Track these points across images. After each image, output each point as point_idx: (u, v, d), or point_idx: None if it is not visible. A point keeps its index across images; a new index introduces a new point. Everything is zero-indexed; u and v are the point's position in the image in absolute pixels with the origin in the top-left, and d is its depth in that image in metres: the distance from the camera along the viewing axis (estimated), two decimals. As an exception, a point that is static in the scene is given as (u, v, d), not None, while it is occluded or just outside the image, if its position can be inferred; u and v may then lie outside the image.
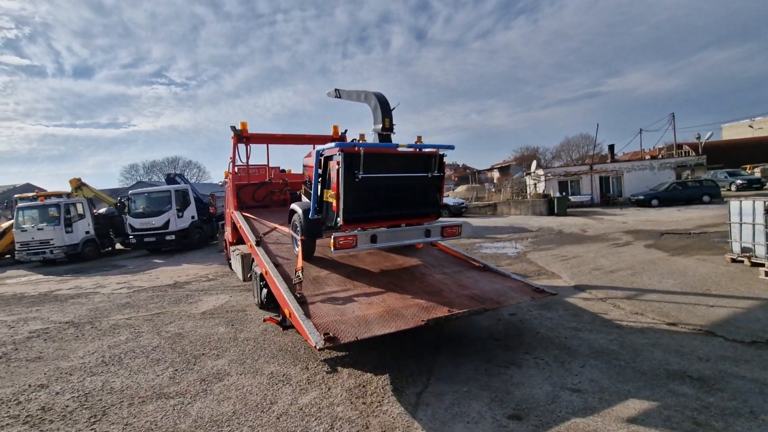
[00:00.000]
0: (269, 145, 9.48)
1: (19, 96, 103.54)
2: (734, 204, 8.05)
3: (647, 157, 35.91)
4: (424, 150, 4.98)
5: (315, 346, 3.40)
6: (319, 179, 5.02)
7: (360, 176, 4.42)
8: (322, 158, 4.94)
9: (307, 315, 3.95)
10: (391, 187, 4.77)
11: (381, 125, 4.75)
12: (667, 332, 4.88)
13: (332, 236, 4.45)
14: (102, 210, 19.10)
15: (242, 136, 8.24)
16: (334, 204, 4.64)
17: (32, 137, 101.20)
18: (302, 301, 4.25)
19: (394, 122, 4.80)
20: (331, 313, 4.05)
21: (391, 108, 4.84)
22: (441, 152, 4.94)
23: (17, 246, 15.58)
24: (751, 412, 3.16)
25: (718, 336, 4.66)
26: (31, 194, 18.43)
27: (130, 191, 17.83)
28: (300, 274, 4.63)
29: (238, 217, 7.46)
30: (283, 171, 10.91)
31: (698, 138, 36.18)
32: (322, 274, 5.15)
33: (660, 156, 34.23)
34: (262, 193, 8.72)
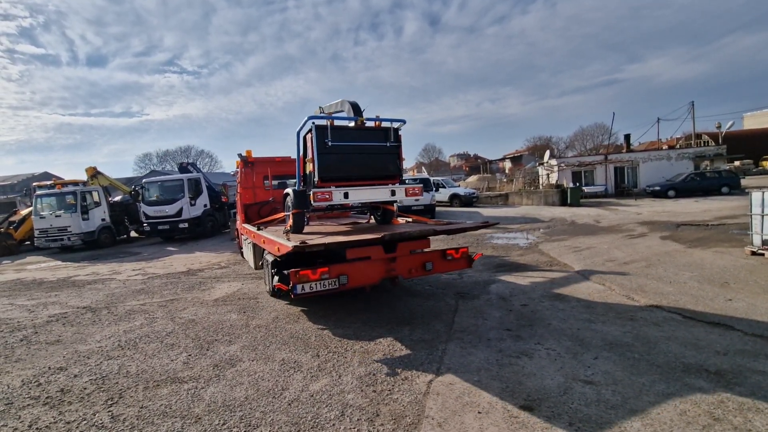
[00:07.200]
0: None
1: (35, 85, 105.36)
2: (756, 195, 7.81)
3: (664, 147, 35.04)
4: (381, 124, 5.88)
5: (290, 247, 4.30)
6: (302, 155, 5.98)
7: (329, 144, 5.37)
8: (302, 137, 5.90)
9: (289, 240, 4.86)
10: (356, 153, 5.70)
11: (354, 123, 5.65)
12: (683, 325, 4.78)
13: (311, 191, 5.31)
14: (117, 198, 19.42)
15: (247, 162, 9.65)
16: (311, 167, 5.56)
17: (49, 126, 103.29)
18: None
19: (365, 121, 5.73)
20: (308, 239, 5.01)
21: (362, 109, 5.78)
22: (395, 125, 5.90)
23: (36, 233, 15.99)
24: (770, 407, 3.08)
25: (737, 330, 4.55)
26: (48, 182, 18.86)
27: (144, 180, 18.06)
28: (288, 230, 5.75)
29: (245, 226, 8.48)
30: None
31: (719, 127, 35.14)
32: (307, 237, 5.92)
33: (678, 146, 33.29)
34: (267, 210, 9.69)
